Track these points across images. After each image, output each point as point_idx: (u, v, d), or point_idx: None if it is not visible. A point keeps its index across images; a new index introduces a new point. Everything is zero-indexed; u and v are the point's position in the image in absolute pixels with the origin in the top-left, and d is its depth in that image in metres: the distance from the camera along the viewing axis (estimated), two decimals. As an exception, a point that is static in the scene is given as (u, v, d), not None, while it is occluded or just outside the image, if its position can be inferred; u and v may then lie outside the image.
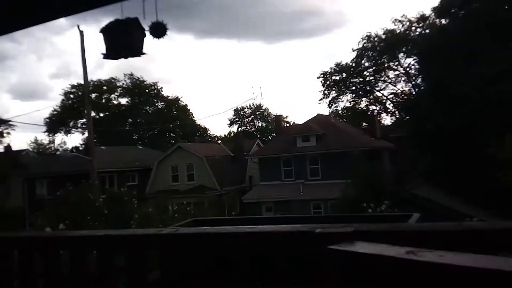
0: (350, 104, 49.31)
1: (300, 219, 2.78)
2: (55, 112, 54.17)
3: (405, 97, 43.16)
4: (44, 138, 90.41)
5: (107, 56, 2.51)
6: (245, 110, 65.36)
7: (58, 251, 2.21)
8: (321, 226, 1.67)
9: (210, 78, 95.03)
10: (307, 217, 6.58)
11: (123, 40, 2.49)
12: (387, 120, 49.37)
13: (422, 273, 1.23)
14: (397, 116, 44.61)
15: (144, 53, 2.55)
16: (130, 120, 55.56)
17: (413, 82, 42.18)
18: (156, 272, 2.32)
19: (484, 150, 12.38)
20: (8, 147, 40.67)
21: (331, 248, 1.44)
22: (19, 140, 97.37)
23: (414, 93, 39.65)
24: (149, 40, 2.72)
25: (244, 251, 1.84)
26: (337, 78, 47.03)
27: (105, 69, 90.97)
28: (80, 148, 41.26)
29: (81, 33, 18.27)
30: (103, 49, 2.51)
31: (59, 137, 65.54)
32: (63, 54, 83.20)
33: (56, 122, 53.51)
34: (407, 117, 29.76)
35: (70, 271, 2.14)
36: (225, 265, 1.87)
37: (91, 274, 2.28)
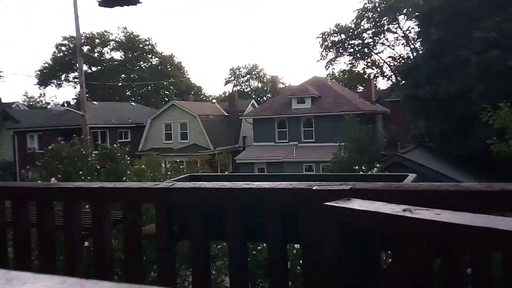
0: (347, 66, 48.90)
1: (296, 177, 2.79)
2: (46, 65, 53.13)
3: (403, 61, 42.75)
4: (34, 91, 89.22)
5: (102, 3, 2.41)
6: (241, 69, 64.55)
7: (52, 202, 2.20)
8: (318, 184, 1.67)
9: (206, 36, 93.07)
10: (303, 175, 6.64)
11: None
12: (383, 84, 49.20)
13: (419, 230, 1.24)
14: (393, 81, 44.34)
15: (140, 2, 2.44)
16: (123, 75, 54.63)
17: (412, 46, 41.65)
18: (150, 226, 2.34)
19: (478, 116, 12.36)
20: (-3, 99, 39.99)
21: (328, 204, 1.44)
22: (10, 92, 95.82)
23: (412, 57, 39.23)
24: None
25: (241, 206, 1.84)
26: (336, 39, 46.25)
27: (98, 22, 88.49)
28: (72, 103, 40.71)
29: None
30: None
31: (50, 90, 64.81)
32: (56, 4, 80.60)
33: (47, 75, 52.49)
34: (403, 81, 29.56)
35: (64, 222, 2.13)
36: (220, 220, 1.87)
37: (85, 226, 2.29)
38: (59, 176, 9.17)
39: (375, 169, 13.07)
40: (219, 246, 6.42)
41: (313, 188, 1.63)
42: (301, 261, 3.64)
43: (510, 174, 11.66)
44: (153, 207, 2.25)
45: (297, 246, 4.66)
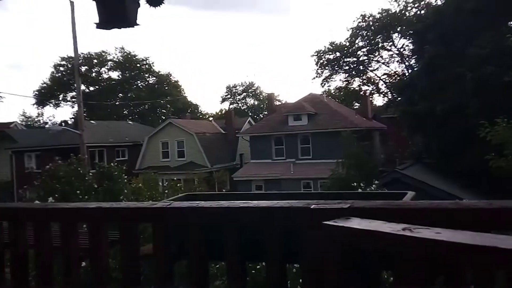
0: (343, 84, 49.34)
1: (294, 196, 2.79)
2: (44, 85, 53.48)
3: (398, 77, 43.15)
4: (32, 110, 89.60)
5: (99, 25, 2.44)
6: (237, 87, 64.98)
7: (48, 223, 2.18)
8: (316, 202, 1.66)
9: (202, 55, 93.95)
10: (300, 194, 6.60)
11: (117, 9, 2.41)
12: (379, 101, 49.62)
13: (419, 249, 1.22)
14: (389, 97, 44.68)
15: (137, 24, 2.47)
16: (120, 95, 54.99)
17: (407, 63, 42.15)
18: (148, 246, 2.31)
19: (476, 132, 12.40)
20: (-4, 119, 40.12)
21: (327, 223, 1.43)
22: (8, 112, 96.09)
23: (407, 74, 39.63)
24: (141, 11, 2.63)
25: (238, 226, 1.82)
26: (331, 57, 46.77)
27: (96, 42, 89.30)
28: (70, 122, 40.81)
29: (72, 3, 17.84)
30: (95, 18, 2.44)
31: (48, 110, 65.12)
32: (54, 24, 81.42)
33: (45, 95, 52.80)
34: (399, 98, 29.79)
35: (61, 243, 2.11)
36: (218, 240, 1.85)
37: (82, 246, 2.26)
38: (56, 195, 9.15)
39: (373, 185, 13.06)
40: (218, 266, 6.35)
41: (311, 207, 1.62)
42: (301, 280, 3.59)
43: (510, 189, 11.61)
44: (151, 226, 2.23)
45: (296, 265, 4.60)
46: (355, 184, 12.87)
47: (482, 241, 1.10)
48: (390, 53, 45.13)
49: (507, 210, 1.42)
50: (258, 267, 5.83)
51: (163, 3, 2.54)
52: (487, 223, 1.42)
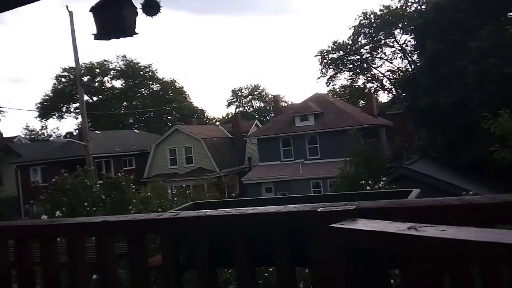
0: (348, 82, 49.24)
1: (301, 199, 2.81)
2: (46, 97, 53.44)
3: (402, 73, 43.00)
4: (36, 123, 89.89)
5: (98, 36, 2.45)
6: (243, 90, 65.01)
7: (55, 239, 2.19)
8: (322, 205, 1.66)
9: (206, 59, 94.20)
10: (308, 197, 6.61)
11: (114, 19, 2.42)
12: (384, 97, 49.44)
13: (425, 248, 1.23)
14: (394, 93, 44.51)
15: (136, 33, 2.49)
16: (125, 103, 54.99)
17: (409, 59, 42.01)
18: (157, 257, 2.32)
19: (480, 125, 12.36)
20: (-1, 134, 40.22)
21: (334, 226, 1.44)
22: (10, 126, 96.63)
23: (410, 69, 39.47)
24: (141, 19, 2.66)
25: (246, 233, 1.83)
26: (334, 56, 46.73)
27: (97, 51, 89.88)
28: (74, 134, 40.95)
29: (71, 14, 17.84)
30: (94, 29, 2.46)
31: (52, 122, 65.04)
32: (53, 36, 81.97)
33: (48, 107, 52.72)
34: (404, 94, 29.67)
35: (68, 259, 2.11)
36: (227, 247, 1.86)
37: (90, 261, 2.27)
38: (63, 209, 9.13)
39: (381, 182, 12.98)
40: (230, 271, 6.35)
41: (318, 210, 1.63)
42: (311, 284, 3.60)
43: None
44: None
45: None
46: (363, 181, 12.80)
47: (485, 237, 1.10)
48: (393, 49, 45.09)
49: (510, 204, 1.41)
50: (270, 269, 5.83)
51: (160, 12, 2.54)
52: (491, 218, 1.42)
